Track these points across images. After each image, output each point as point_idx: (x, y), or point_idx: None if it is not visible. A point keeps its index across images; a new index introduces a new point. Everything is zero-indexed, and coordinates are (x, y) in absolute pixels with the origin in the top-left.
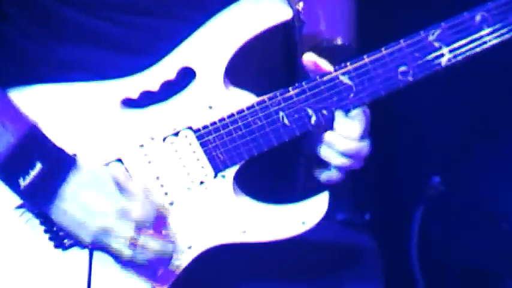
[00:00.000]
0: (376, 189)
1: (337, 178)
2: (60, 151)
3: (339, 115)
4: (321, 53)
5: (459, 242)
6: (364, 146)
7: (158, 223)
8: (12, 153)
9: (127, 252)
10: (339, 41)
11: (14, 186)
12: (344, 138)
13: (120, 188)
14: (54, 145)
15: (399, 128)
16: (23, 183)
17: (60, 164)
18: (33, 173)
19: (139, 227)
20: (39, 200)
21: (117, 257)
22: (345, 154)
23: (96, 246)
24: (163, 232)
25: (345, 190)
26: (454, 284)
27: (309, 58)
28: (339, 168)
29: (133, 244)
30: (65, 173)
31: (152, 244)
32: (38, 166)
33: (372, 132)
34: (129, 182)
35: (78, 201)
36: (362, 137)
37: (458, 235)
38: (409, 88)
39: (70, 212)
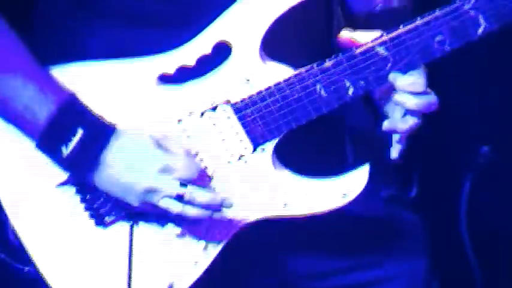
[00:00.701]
0: (423, 162)
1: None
2: (101, 119)
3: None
4: (375, 18)
5: (510, 212)
6: (431, 97)
7: (202, 179)
8: (54, 121)
9: (176, 207)
10: (395, 3)
11: (57, 156)
12: (411, 94)
13: (161, 147)
14: (94, 113)
15: (445, 97)
16: (66, 151)
17: (101, 131)
18: (75, 139)
19: (184, 182)
20: (83, 168)
21: (166, 219)
22: (412, 112)
23: (145, 209)
24: (208, 183)
25: (389, 165)
26: (506, 256)
27: (345, 35)
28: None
29: (180, 197)
30: (106, 139)
31: (200, 196)
32: (80, 132)
33: None
34: (169, 141)
35: (121, 166)
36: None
37: (509, 205)
38: (455, 57)
39: (114, 177)
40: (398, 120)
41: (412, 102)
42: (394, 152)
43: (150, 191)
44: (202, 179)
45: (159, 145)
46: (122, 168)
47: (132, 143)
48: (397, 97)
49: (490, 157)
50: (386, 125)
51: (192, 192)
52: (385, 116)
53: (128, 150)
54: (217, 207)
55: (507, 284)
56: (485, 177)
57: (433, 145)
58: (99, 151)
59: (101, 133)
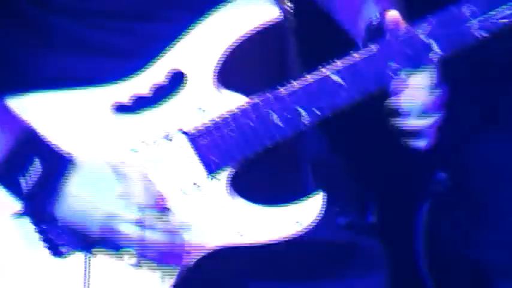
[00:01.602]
0: (379, 189)
1: (425, 142)
2: (57, 151)
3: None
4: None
5: (467, 237)
6: (439, 92)
7: (160, 204)
8: (10, 153)
9: (136, 232)
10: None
11: (16, 189)
12: (421, 89)
13: (119, 174)
14: (50, 144)
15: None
16: (24, 183)
17: (59, 162)
18: (32, 170)
19: (143, 207)
20: (42, 200)
21: (125, 248)
22: (425, 108)
23: (105, 236)
24: (167, 209)
25: (345, 192)
26: (463, 280)
27: (393, 16)
28: (425, 130)
29: (140, 222)
30: (63, 170)
31: (159, 220)
32: (37, 163)
33: (373, 129)
34: (125, 167)
35: (81, 195)
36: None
37: (465, 230)
38: None
39: (74, 207)
40: (415, 117)
41: (422, 98)
42: (422, 143)
43: (110, 217)
44: (160, 204)
45: (117, 172)
46: (80, 197)
47: (90, 171)
48: (409, 93)
49: (446, 184)
50: (400, 121)
51: (152, 217)
52: (404, 114)
53: (86, 179)
54: (176, 231)
55: None
56: (442, 203)
57: (391, 172)
58: (57, 183)
59: (58, 165)
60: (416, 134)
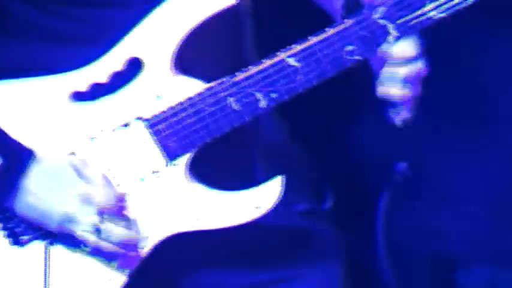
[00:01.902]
0: (338, 178)
1: (406, 114)
2: (18, 145)
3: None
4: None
5: (425, 227)
6: (421, 65)
7: (120, 208)
8: None
9: (92, 238)
10: None
11: None
12: (402, 60)
13: (80, 175)
14: (11, 139)
15: (363, 113)
16: None
17: (19, 157)
18: None
19: (102, 212)
20: (1, 195)
21: (82, 245)
22: (406, 79)
23: (63, 234)
24: (126, 215)
25: (304, 180)
26: (422, 270)
27: None
28: (404, 102)
29: (97, 229)
30: (24, 166)
31: (116, 234)
32: None
33: (333, 117)
34: (87, 168)
35: (40, 192)
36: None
37: (424, 220)
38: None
39: (33, 204)
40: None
41: (404, 69)
42: (398, 118)
43: (68, 220)
44: (119, 206)
45: (78, 172)
46: (40, 194)
47: (51, 168)
48: (390, 66)
49: (406, 173)
50: (381, 90)
51: (109, 229)
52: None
53: (46, 176)
54: (132, 248)
55: None
56: (402, 193)
57: (350, 160)
58: (17, 178)
59: (18, 160)
60: (396, 104)
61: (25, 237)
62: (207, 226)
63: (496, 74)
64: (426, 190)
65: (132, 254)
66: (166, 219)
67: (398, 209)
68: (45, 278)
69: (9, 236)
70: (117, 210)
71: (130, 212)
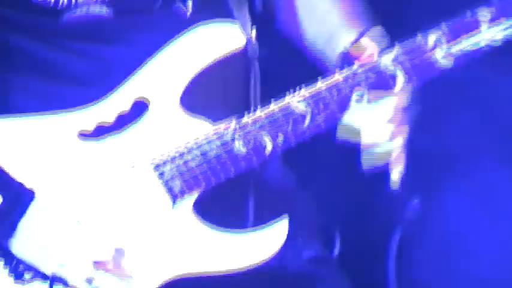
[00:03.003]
0: (345, 222)
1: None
2: (19, 185)
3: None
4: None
5: (439, 267)
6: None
7: (117, 260)
8: None
9: (83, 287)
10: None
11: None
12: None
13: (80, 221)
14: (13, 179)
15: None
16: None
17: (19, 198)
18: None
19: (97, 267)
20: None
21: None
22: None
23: (56, 278)
24: (122, 267)
25: (312, 227)
26: None
27: (367, 46)
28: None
29: (89, 280)
30: (23, 207)
31: (109, 282)
32: None
33: (338, 158)
34: (89, 214)
35: (37, 236)
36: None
37: (438, 260)
38: None
39: (29, 246)
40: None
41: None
42: (394, 178)
43: (62, 266)
44: (116, 264)
45: (78, 220)
46: (37, 238)
47: (51, 213)
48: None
49: (419, 211)
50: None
51: (101, 282)
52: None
53: (45, 221)
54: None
55: None
56: (415, 231)
57: (358, 203)
58: (16, 219)
59: (18, 202)
60: (388, 161)
61: (29, 275)
62: (214, 269)
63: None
64: (439, 228)
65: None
66: (173, 260)
67: (412, 247)
68: None
69: (12, 272)
70: (113, 265)
71: (127, 266)
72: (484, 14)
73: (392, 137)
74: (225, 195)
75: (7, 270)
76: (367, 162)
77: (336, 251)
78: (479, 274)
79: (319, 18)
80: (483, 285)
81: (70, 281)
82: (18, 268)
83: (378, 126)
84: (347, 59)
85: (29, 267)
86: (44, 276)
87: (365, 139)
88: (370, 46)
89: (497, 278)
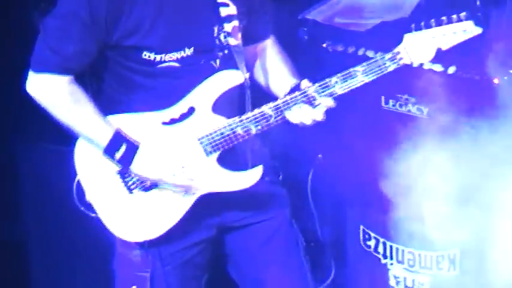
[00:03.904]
0: (286, 161)
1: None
2: (133, 140)
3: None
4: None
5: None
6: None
7: (185, 175)
8: (111, 140)
9: (179, 181)
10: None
11: (113, 158)
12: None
13: (172, 155)
14: (129, 137)
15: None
16: (118, 155)
17: (134, 145)
18: (122, 149)
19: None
20: (126, 163)
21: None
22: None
23: (162, 182)
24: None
25: (269, 164)
26: None
27: (306, 83)
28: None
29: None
30: (136, 150)
31: (183, 183)
32: (124, 146)
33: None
34: (177, 155)
35: (145, 163)
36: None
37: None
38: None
39: (142, 168)
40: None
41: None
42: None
43: (170, 176)
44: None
45: (173, 154)
46: (144, 166)
47: (150, 154)
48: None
49: (321, 162)
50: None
51: (185, 179)
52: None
53: (147, 157)
54: (190, 186)
55: None
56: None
57: (292, 153)
58: (133, 156)
59: (134, 146)
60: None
61: (133, 186)
62: (222, 189)
63: None
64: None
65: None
66: (202, 183)
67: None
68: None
69: (124, 183)
70: (186, 179)
71: (192, 178)
72: (358, 68)
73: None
74: (233, 152)
75: (123, 183)
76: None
77: (281, 177)
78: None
79: (274, 76)
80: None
81: (171, 182)
82: (128, 182)
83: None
84: (291, 92)
85: (134, 183)
86: (142, 187)
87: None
88: (303, 84)
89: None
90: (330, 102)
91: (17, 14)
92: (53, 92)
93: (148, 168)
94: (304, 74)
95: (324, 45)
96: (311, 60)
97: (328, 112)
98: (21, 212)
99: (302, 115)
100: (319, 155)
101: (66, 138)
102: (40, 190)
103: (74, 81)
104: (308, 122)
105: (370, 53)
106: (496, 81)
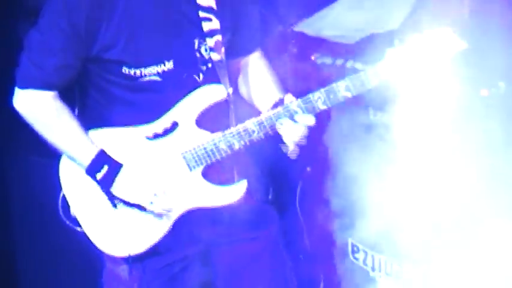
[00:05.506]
0: (277, 178)
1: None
2: (116, 160)
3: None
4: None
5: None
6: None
7: (165, 194)
8: (93, 161)
9: (152, 208)
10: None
11: (95, 178)
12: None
13: (156, 176)
14: (112, 158)
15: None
16: (99, 176)
17: (116, 166)
18: (103, 170)
19: (155, 197)
20: (106, 185)
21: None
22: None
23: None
24: (167, 200)
25: (260, 181)
26: None
27: (290, 98)
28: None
29: (152, 203)
30: (119, 170)
31: (162, 204)
32: (105, 167)
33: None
34: (156, 176)
35: (124, 187)
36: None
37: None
38: None
39: (121, 191)
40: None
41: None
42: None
43: (148, 202)
44: (164, 192)
45: (153, 176)
46: (124, 188)
47: (132, 176)
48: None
49: (310, 172)
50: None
51: (161, 204)
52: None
53: (129, 179)
54: (168, 210)
55: None
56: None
57: (281, 167)
58: (114, 178)
59: (116, 167)
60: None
61: (117, 202)
62: (207, 205)
63: None
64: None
65: (169, 214)
66: (187, 199)
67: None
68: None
69: (110, 200)
70: (163, 199)
71: (168, 201)
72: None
73: (299, 141)
74: (219, 166)
75: (108, 201)
76: (284, 148)
77: (270, 196)
78: None
79: (258, 91)
80: None
81: (148, 207)
82: (113, 199)
83: (292, 136)
84: (274, 107)
85: (118, 200)
86: (129, 205)
87: (285, 140)
88: (287, 99)
89: None
90: (310, 121)
91: (3, 28)
92: (37, 108)
93: (128, 192)
94: (292, 86)
95: (313, 57)
96: (299, 73)
97: (317, 124)
98: (10, 223)
99: (285, 130)
100: (308, 168)
101: (55, 150)
102: (29, 202)
103: (58, 97)
104: (293, 137)
105: (358, 66)
106: (485, 93)
